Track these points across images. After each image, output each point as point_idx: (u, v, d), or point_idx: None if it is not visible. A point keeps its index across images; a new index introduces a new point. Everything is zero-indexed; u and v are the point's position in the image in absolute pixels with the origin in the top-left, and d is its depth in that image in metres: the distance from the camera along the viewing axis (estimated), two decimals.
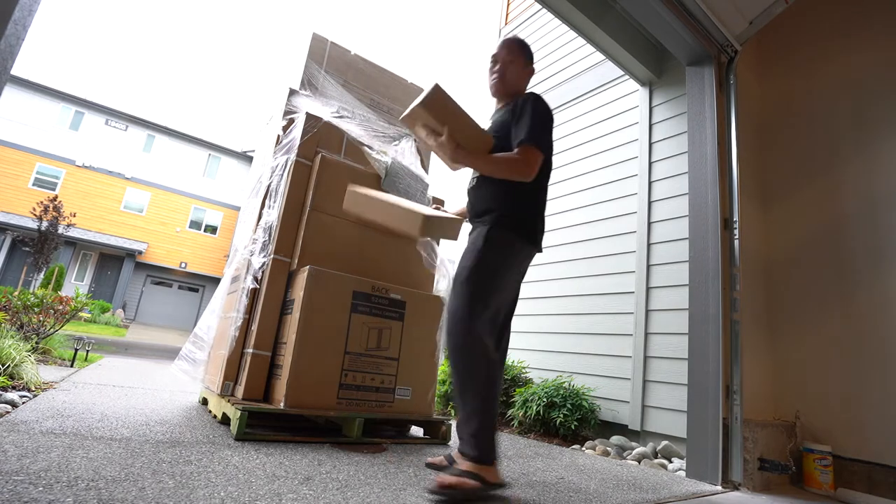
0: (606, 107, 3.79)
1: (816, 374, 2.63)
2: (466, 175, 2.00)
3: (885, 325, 2.43)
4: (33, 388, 2.36)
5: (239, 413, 1.84)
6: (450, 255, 2.76)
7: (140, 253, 17.47)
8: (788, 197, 2.98)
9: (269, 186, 2.47)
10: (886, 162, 2.60)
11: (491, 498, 1.49)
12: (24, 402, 2.04)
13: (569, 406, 2.93)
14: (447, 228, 1.93)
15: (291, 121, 2.55)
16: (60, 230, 12.97)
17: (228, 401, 2.03)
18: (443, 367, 3.90)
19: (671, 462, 2.54)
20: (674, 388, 2.75)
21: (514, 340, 3.94)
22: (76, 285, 15.88)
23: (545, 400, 2.99)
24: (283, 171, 2.44)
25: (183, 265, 18.61)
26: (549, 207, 3.98)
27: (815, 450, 2.39)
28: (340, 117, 2.65)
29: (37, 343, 3.72)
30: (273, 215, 2.38)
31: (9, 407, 1.88)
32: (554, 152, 4.45)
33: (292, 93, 2.61)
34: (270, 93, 3.09)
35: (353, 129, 2.65)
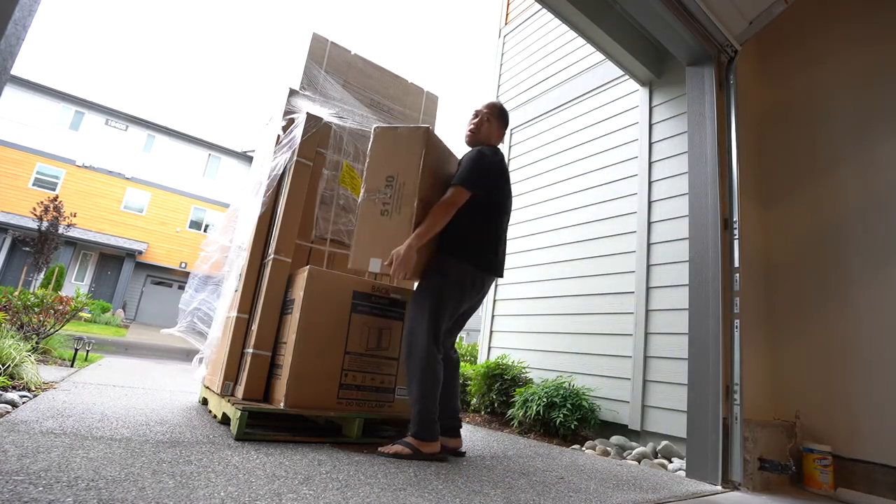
0: (606, 107, 3.79)
1: (816, 374, 2.63)
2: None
3: (885, 324, 2.43)
4: (33, 388, 2.36)
5: (239, 413, 1.84)
6: None
7: (140, 253, 17.47)
8: (788, 197, 2.98)
9: (269, 186, 2.46)
10: (886, 162, 2.60)
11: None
12: (24, 402, 2.04)
13: (569, 406, 2.92)
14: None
15: (291, 121, 2.54)
16: (60, 230, 12.97)
17: (228, 401, 2.04)
18: None
19: (671, 462, 2.54)
20: (674, 388, 2.75)
21: (514, 340, 3.95)
22: (76, 285, 15.89)
23: (545, 400, 2.99)
24: (283, 171, 2.44)
25: (183, 265, 18.60)
26: (550, 207, 3.99)
27: (815, 450, 2.39)
28: (340, 117, 2.65)
29: (37, 343, 3.72)
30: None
31: (9, 407, 1.89)
32: (553, 152, 4.38)
33: (292, 93, 2.61)
34: (270, 93, 3.09)
35: (353, 129, 2.65)
